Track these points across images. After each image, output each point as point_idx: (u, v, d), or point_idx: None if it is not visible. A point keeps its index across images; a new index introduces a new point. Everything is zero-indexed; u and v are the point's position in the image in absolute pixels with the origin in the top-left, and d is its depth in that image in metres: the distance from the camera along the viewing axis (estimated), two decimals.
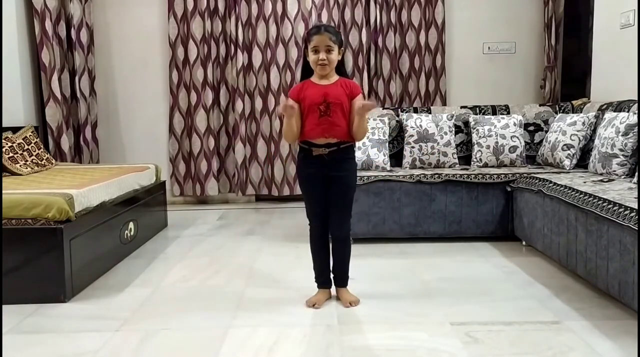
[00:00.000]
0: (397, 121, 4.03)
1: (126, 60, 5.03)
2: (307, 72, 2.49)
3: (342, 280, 2.57)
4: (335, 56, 2.38)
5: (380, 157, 3.75)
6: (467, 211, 3.51)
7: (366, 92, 4.90)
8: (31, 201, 2.60)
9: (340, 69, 2.47)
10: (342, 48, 2.44)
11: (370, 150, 3.73)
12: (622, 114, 3.22)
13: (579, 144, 3.61)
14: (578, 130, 3.62)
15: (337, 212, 2.48)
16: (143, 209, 3.68)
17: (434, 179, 3.50)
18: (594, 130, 3.58)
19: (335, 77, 2.44)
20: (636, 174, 2.94)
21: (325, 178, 2.44)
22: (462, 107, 4.16)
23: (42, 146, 4.03)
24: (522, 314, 2.35)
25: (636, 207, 2.21)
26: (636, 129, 3.09)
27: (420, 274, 2.93)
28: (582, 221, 2.58)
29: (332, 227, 2.51)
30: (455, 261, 3.17)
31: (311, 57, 2.39)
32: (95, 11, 4.92)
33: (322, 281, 2.56)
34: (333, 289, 2.59)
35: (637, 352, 1.98)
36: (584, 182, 2.94)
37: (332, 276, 2.58)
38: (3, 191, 2.72)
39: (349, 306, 2.48)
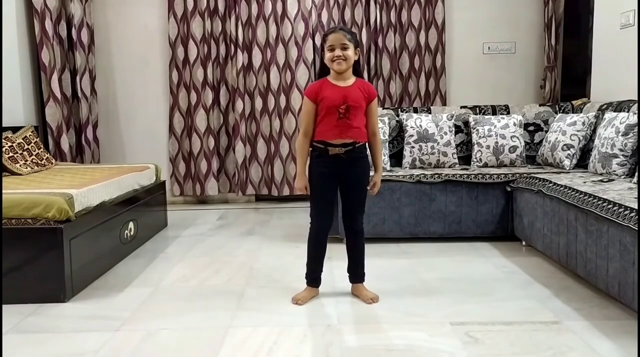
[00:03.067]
0: (397, 121, 4.03)
1: (126, 60, 5.03)
2: (323, 74, 2.49)
3: (358, 276, 2.60)
4: (351, 53, 2.38)
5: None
6: (467, 211, 3.51)
7: None
8: (31, 200, 2.60)
9: (357, 69, 2.48)
10: (358, 48, 2.45)
11: None
12: (622, 114, 3.22)
13: (578, 144, 3.61)
14: (578, 130, 3.62)
15: (353, 207, 2.53)
16: (143, 209, 3.68)
17: (434, 179, 3.50)
18: (594, 130, 3.58)
19: (352, 79, 2.45)
20: (636, 174, 2.94)
21: (339, 178, 2.47)
22: (462, 107, 4.16)
23: (42, 146, 4.03)
24: (522, 314, 2.35)
25: (636, 207, 2.21)
26: (636, 129, 3.09)
27: (420, 274, 2.93)
28: (582, 221, 2.58)
29: (347, 222, 2.57)
30: (455, 260, 3.17)
31: (327, 55, 2.39)
32: (96, 11, 4.92)
33: (312, 279, 2.59)
34: (328, 288, 2.59)
35: (637, 352, 1.98)
36: (584, 182, 2.94)
37: (347, 274, 2.63)
38: (3, 191, 2.72)
39: (371, 302, 2.50)
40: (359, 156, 2.47)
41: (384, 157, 3.76)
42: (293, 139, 4.98)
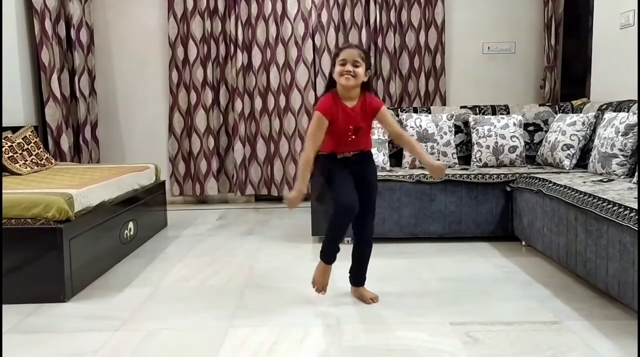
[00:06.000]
0: (396, 121, 4.02)
1: (126, 60, 5.03)
2: (330, 88, 2.47)
3: (361, 279, 2.61)
4: (361, 71, 2.36)
5: (380, 157, 3.74)
6: (467, 211, 3.51)
7: None
8: (31, 200, 2.60)
9: (367, 88, 2.47)
10: (369, 71, 2.43)
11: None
12: (622, 114, 3.23)
13: (578, 144, 3.61)
14: (578, 130, 3.62)
15: (363, 206, 2.47)
16: (143, 209, 3.68)
17: (434, 179, 3.50)
18: (594, 131, 3.58)
19: (357, 99, 2.43)
20: (636, 174, 2.94)
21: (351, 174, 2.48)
22: (461, 107, 4.16)
23: (41, 146, 4.03)
24: (522, 314, 2.36)
25: (636, 207, 2.21)
26: (636, 129, 3.09)
27: (420, 274, 2.93)
28: (582, 221, 2.58)
29: (357, 225, 2.53)
30: (455, 260, 3.17)
31: (337, 69, 2.36)
32: (95, 11, 4.92)
33: (331, 257, 2.48)
34: (328, 288, 2.59)
35: (637, 352, 1.98)
36: (584, 182, 2.95)
37: (348, 274, 2.61)
38: (3, 191, 2.72)
39: (370, 302, 2.51)
40: (366, 160, 2.53)
41: (384, 157, 3.75)
42: (293, 139, 4.98)
